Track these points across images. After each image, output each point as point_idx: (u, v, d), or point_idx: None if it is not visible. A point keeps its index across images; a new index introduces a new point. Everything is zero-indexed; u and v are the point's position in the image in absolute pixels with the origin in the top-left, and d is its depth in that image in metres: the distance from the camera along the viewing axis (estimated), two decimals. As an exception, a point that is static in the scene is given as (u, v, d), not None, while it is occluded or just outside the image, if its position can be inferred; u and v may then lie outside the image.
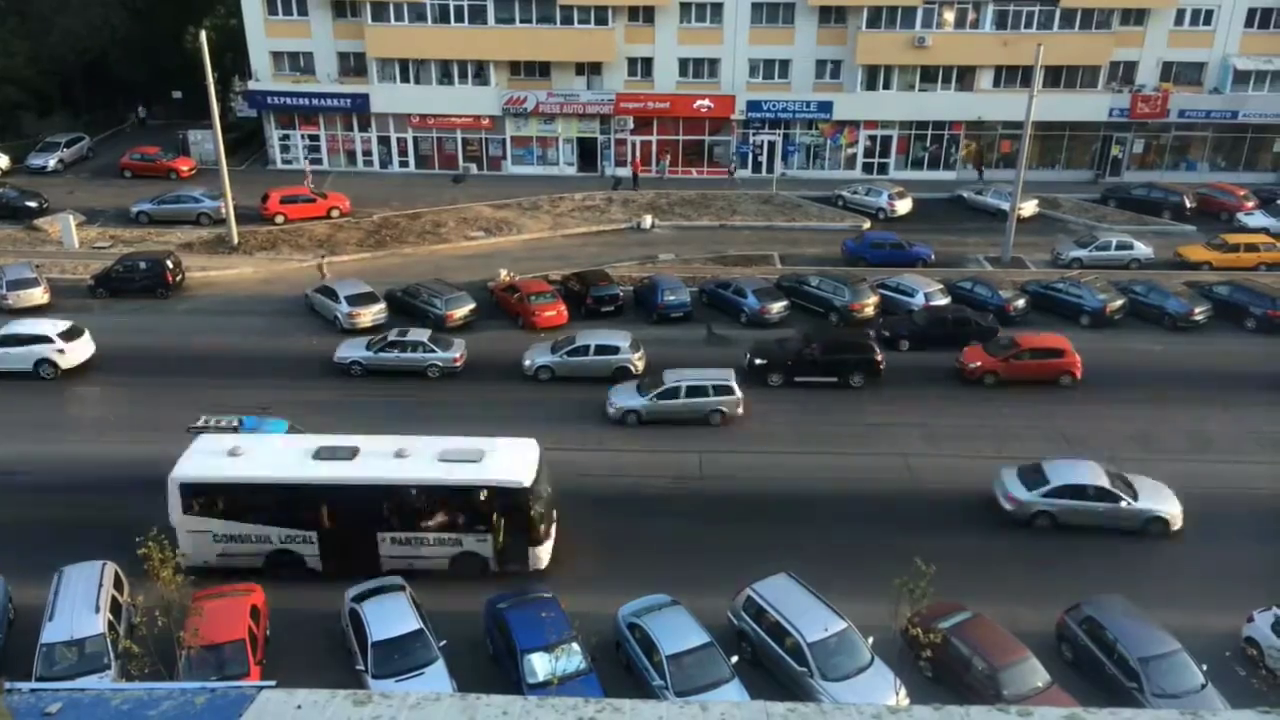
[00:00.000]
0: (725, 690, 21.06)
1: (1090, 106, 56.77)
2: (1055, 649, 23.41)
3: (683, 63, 56.61)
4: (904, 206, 52.84)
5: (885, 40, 55.29)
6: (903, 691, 21.02)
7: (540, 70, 57.03)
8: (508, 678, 21.79)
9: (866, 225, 51.22)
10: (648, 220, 51.25)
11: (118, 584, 23.61)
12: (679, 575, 24.83)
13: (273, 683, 13.32)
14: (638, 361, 35.66)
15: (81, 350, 35.75)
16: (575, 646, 21.90)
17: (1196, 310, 39.93)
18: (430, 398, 34.46)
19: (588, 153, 58.64)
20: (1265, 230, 49.04)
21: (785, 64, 56.55)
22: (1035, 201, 52.61)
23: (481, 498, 25.03)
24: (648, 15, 55.31)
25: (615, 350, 35.63)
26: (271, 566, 25.47)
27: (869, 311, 39.97)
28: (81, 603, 22.54)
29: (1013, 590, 24.97)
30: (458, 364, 35.77)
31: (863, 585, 23.11)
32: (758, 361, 35.35)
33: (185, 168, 56.71)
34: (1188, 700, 20.68)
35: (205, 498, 25.16)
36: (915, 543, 22.58)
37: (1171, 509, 27.54)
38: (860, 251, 46.30)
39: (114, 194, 53.19)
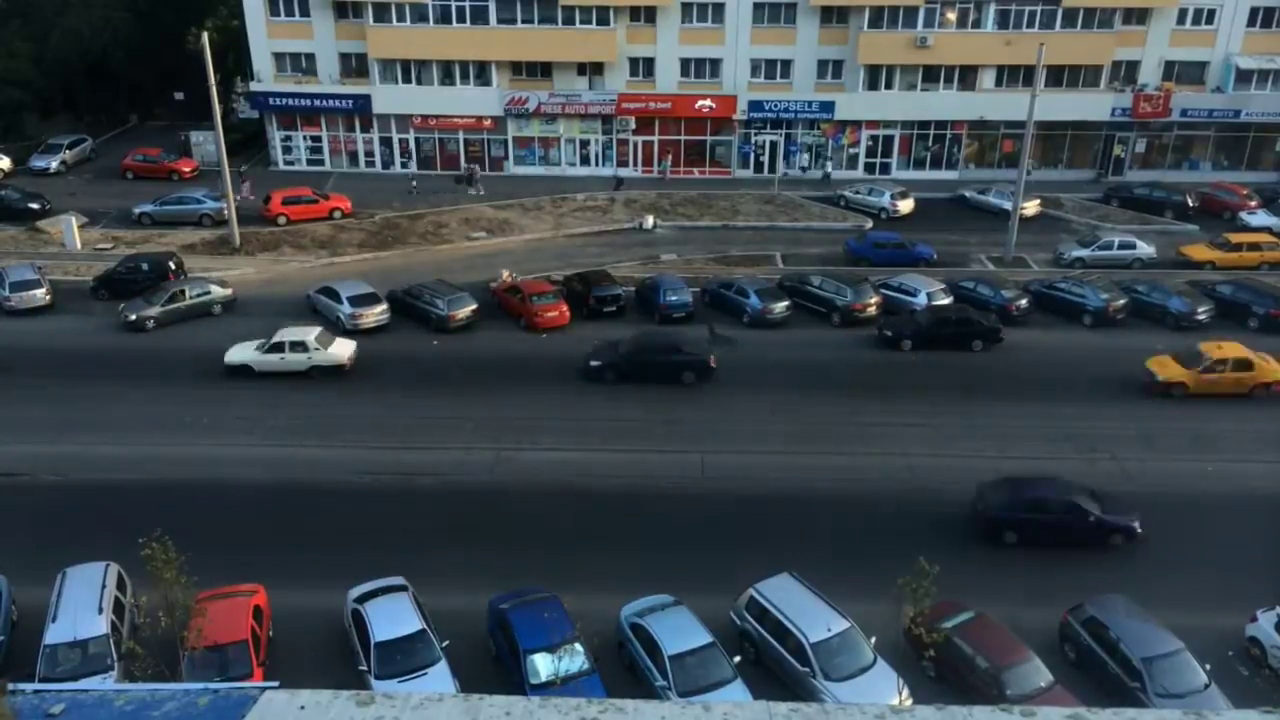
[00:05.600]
0: (728, 690, 21.05)
1: (1092, 106, 56.68)
2: (1058, 649, 23.39)
3: (684, 63, 56.55)
4: (906, 206, 52.83)
5: (887, 40, 55.23)
6: (905, 691, 21.06)
7: (542, 71, 56.99)
8: (510, 678, 21.78)
9: (869, 225, 51.21)
10: (650, 221, 51.23)
11: (121, 585, 23.61)
12: (681, 575, 24.81)
13: (275, 683, 13.32)
14: None
15: None
16: (578, 647, 21.88)
17: (1199, 310, 39.91)
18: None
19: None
20: (1268, 229, 49.01)
21: (787, 64, 56.49)
22: (1037, 201, 52.58)
23: None
24: (649, 15, 55.27)
25: None
26: None
27: (871, 311, 39.93)
28: (85, 604, 22.53)
29: (1015, 590, 24.92)
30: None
31: (865, 585, 23.11)
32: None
33: (187, 169, 56.77)
34: (1191, 700, 20.63)
35: None
36: (917, 542, 22.55)
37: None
38: (863, 251, 46.27)
39: (116, 195, 53.19)
